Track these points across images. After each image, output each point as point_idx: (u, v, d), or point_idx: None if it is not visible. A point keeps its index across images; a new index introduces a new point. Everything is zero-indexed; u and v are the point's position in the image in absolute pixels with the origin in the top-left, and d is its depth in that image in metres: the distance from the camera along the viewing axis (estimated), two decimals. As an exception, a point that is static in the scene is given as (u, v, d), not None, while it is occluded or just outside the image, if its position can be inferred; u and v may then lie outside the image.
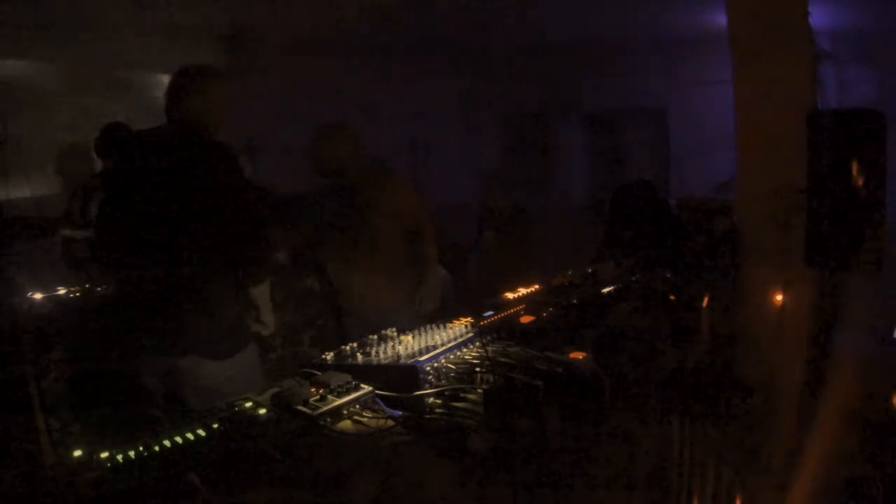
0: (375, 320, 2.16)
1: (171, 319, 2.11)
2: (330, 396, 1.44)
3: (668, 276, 2.63)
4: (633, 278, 2.62)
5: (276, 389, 1.47)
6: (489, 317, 1.98)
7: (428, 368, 1.56)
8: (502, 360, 1.63)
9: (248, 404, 1.44)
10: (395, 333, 1.84)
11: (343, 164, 3.27)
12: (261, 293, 2.44)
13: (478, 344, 1.77)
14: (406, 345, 1.73)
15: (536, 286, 2.42)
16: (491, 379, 1.55)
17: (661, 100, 7.13)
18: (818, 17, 3.10)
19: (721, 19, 3.26)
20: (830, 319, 2.82)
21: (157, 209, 2.12)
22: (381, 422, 1.40)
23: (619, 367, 1.77)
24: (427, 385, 1.53)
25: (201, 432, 1.29)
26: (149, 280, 2.08)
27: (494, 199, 5.72)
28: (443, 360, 1.64)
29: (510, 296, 2.30)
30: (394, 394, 1.50)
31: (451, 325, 1.93)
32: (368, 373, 1.57)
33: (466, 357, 1.68)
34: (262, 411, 1.39)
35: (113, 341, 2.30)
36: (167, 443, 1.24)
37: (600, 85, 7.26)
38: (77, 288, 2.97)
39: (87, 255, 3.44)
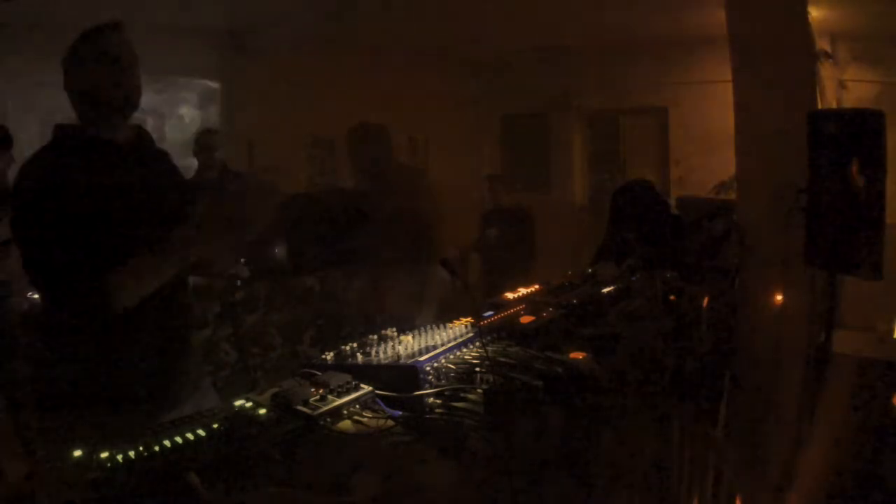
0: (386, 321, 2.12)
1: None
2: (330, 396, 1.44)
3: (668, 276, 2.63)
4: (633, 278, 2.62)
5: (276, 389, 1.47)
6: (489, 317, 1.98)
7: (428, 368, 1.56)
8: (502, 360, 1.63)
9: (248, 404, 1.44)
10: (395, 333, 1.84)
11: (380, 165, 3.28)
12: None
13: (478, 344, 1.77)
14: (406, 345, 1.73)
15: (536, 286, 2.42)
16: (491, 379, 1.55)
17: (661, 100, 7.14)
18: (818, 17, 3.10)
19: (721, 19, 3.26)
20: (830, 319, 2.82)
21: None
22: (381, 422, 1.40)
23: (619, 367, 1.77)
24: (427, 385, 1.53)
25: (201, 432, 1.29)
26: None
27: (495, 198, 5.73)
28: (443, 360, 1.64)
29: (510, 296, 2.30)
30: (394, 394, 1.50)
31: (451, 325, 1.93)
32: (368, 373, 1.56)
33: (466, 357, 1.68)
34: (262, 411, 1.39)
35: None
36: (167, 443, 1.24)
37: (600, 85, 7.26)
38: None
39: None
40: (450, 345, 1.72)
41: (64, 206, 1.68)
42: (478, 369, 1.60)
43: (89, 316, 1.73)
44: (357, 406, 1.45)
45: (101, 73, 1.79)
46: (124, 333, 1.75)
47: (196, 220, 1.72)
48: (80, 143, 1.81)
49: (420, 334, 1.83)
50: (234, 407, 1.43)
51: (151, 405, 1.75)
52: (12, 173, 3.57)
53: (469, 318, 1.96)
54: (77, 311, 1.74)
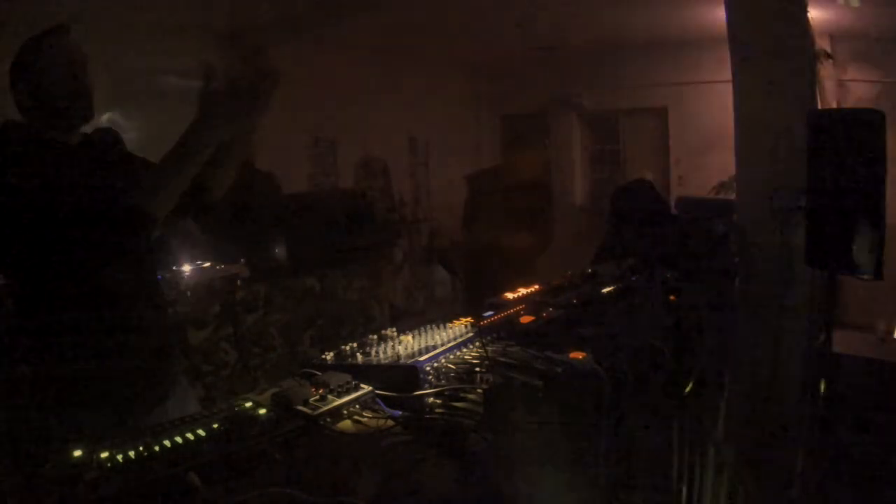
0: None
1: None
2: (330, 396, 1.44)
3: (668, 276, 2.63)
4: (633, 278, 2.62)
5: (276, 389, 1.47)
6: (489, 317, 1.98)
7: (428, 368, 1.56)
8: (502, 360, 1.63)
9: (248, 404, 1.44)
10: (395, 333, 1.85)
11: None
12: None
13: (478, 344, 1.77)
14: (406, 345, 1.73)
15: (536, 286, 2.42)
16: (491, 379, 1.55)
17: (661, 100, 7.14)
18: (818, 17, 3.10)
19: (721, 19, 3.26)
20: (830, 319, 2.82)
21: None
22: (381, 422, 1.40)
23: (619, 367, 1.77)
24: (427, 385, 1.53)
25: (201, 432, 1.29)
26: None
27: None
28: (443, 360, 1.64)
29: (510, 296, 2.30)
30: (394, 394, 1.50)
31: (451, 325, 1.93)
32: (368, 373, 1.56)
33: (466, 357, 1.68)
34: (262, 411, 1.39)
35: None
36: (167, 443, 1.24)
37: (600, 85, 7.26)
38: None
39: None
40: (450, 345, 1.72)
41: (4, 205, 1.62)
42: (478, 369, 1.60)
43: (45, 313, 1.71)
44: (357, 406, 1.45)
45: (49, 77, 1.74)
46: (97, 333, 1.74)
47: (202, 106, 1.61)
48: (25, 142, 1.74)
49: (420, 334, 1.83)
50: (234, 407, 1.43)
51: (129, 404, 1.74)
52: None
53: (469, 318, 1.96)
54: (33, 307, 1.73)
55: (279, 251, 4.06)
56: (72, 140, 1.83)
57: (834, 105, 5.59)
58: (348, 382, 1.50)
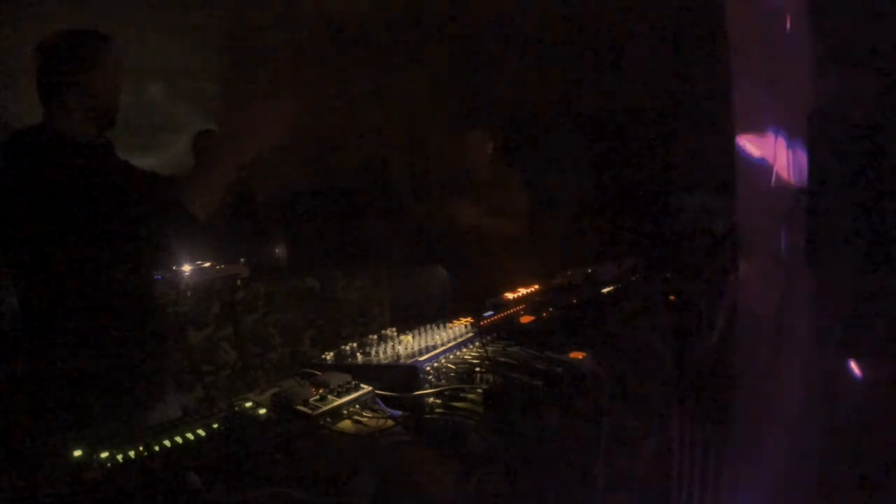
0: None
1: None
2: (330, 396, 1.44)
3: (668, 276, 2.63)
4: (633, 278, 2.62)
5: (276, 389, 1.47)
6: (489, 317, 1.98)
7: (428, 368, 1.56)
8: (502, 360, 1.63)
9: (248, 404, 1.44)
10: (395, 333, 1.85)
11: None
12: None
13: (478, 344, 1.77)
14: (406, 345, 1.73)
15: (536, 286, 2.42)
16: (491, 379, 1.55)
17: (661, 100, 7.13)
18: (817, 17, 3.10)
19: (722, 18, 3.26)
20: (830, 319, 2.82)
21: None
22: (381, 422, 1.40)
23: (619, 367, 1.77)
24: (427, 385, 1.53)
25: (201, 432, 1.29)
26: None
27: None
28: (443, 360, 1.64)
29: (510, 296, 2.30)
30: (394, 394, 1.50)
31: (451, 325, 1.93)
32: (368, 373, 1.57)
33: (466, 357, 1.68)
34: (262, 411, 1.39)
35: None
36: (167, 443, 1.25)
37: (600, 85, 7.25)
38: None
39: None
40: (450, 345, 1.72)
41: (21, 203, 1.64)
42: (478, 369, 1.60)
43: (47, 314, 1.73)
44: (357, 406, 1.45)
45: (100, 82, 1.79)
46: (101, 332, 1.76)
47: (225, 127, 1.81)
48: (42, 141, 1.77)
49: (420, 334, 1.83)
50: (234, 407, 1.43)
51: (126, 403, 1.77)
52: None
53: (469, 318, 1.96)
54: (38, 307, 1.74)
55: (279, 251, 4.06)
56: (81, 139, 1.84)
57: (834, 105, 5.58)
58: (348, 382, 1.50)
